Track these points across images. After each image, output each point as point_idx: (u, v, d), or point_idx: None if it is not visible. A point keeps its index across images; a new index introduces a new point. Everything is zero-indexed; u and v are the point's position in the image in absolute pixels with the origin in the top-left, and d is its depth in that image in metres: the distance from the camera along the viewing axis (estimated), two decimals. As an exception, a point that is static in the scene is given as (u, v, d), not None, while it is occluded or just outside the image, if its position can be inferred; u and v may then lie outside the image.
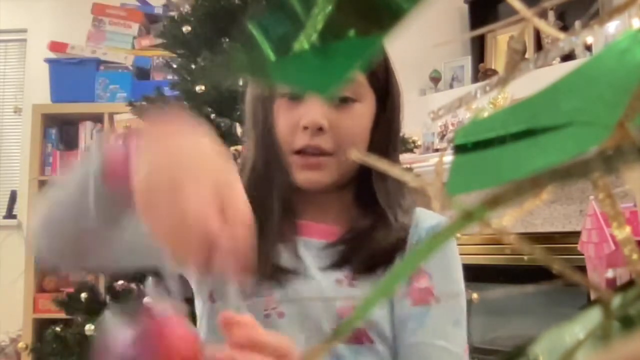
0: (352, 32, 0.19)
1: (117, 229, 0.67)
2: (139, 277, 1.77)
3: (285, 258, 0.85)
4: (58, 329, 1.75)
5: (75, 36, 3.34)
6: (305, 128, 0.83)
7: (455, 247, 0.92)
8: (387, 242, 0.85)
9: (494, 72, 3.45)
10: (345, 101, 0.85)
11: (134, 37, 3.36)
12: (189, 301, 0.83)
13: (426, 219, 0.91)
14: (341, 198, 0.90)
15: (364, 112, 0.87)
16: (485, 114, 0.23)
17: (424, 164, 2.85)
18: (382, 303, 0.86)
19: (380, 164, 0.21)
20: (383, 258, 0.85)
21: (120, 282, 1.82)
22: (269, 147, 0.87)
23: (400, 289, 0.86)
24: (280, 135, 0.85)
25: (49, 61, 3.24)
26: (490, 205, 0.16)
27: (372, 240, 0.85)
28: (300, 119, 0.83)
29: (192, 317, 0.84)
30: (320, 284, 0.84)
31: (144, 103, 1.89)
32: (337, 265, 0.85)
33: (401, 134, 1.91)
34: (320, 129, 0.82)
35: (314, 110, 0.83)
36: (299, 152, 0.84)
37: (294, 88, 0.20)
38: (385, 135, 0.91)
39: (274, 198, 0.86)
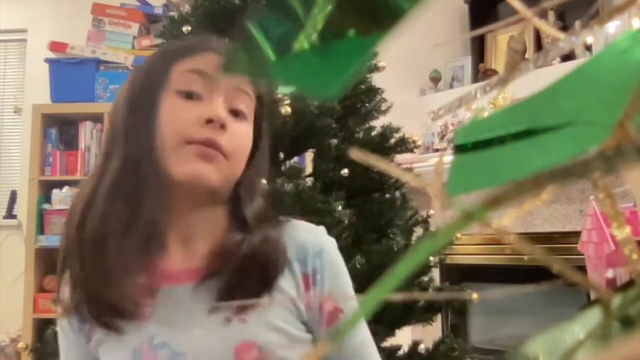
0: (352, 32, 0.19)
1: None
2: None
3: (157, 306, 0.81)
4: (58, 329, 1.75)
5: (75, 36, 3.34)
6: (209, 122, 0.80)
7: (338, 254, 0.90)
8: (267, 257, 0.83)
9: (494, 72, 3.46)
10: (238, 114, 0.84)
11: (134, 37, 3.36)
12: None
13: (298, 228, 0.89)
14: (211, 217, 0.85)
15: (249, 131, 0.86)
16: (485, 114, 0.23)
17: (424, 164, 2.85)
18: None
19: (379, 163, 0.21)
20: (267, 274, 0.83)
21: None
22: (146, 141, 0.81)
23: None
24: (173, 127, 0.80)
25: (49, 61, 3.24)
26: (490, 205, 0.16)
27: (248, 258, 0.82)
28: (202, 113, 0.80)
29: None
30: (209, 333, 0.79)
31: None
32: (221, 300, 0.80)
33: (401, 134, 1.92)
34: (222, 127, 0.80)
35: (219, 107, 0.81)
36: (196, 142, 0.80)
37: (293, 88, 0.20)
38: (260, 162, 0.90)
39: (144, 199, 0.80)
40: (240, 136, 0.84)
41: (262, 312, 0.81)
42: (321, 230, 0.92)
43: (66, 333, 0.87)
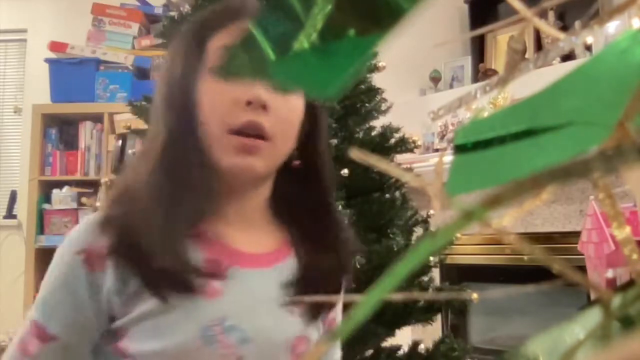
0: (351, 32, 0.19)
1: None
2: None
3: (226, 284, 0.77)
4: (58, 329, 1.75)
5: (75, 36, 3.34)
6: (249, 103, 0.75)
7: None
8: (346, 253, 0.83)
9: (494, 72, 3.46)
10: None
11: (134, 37, 3.36)
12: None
13: None
14: (258, 197, 0.82)
15: (299, 105, 0.80)
16: (485, 114, 0.23)
17: (424, 164, 2.85)
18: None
19: (379, 163, 0.21)
20: (343, 270, 0.83)
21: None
22: (188, 127, 0.76)
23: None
24: (212, 113, 0.76)
25: (49, 61, 3.24)
26: (490, 205, 0.16)
27: (329, 250, 0.81)
28: (241, 95, 0.75)
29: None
30: (278, 322, 0.78)
31: (144, 103, 1.89)
32: (294, 291, 0.80)
33: (401, 134, 1.92)
34: (264, 107, 0.75)
35: (258, 86, 0.74)
36: (237, 132, 0.75)
37: (293, 88, 0.20)
38: (314, 138, 0.84)
39: (191, 183, 0.76)
40: (286, 112, 0.78)
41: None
42: None
43: (72, 275, 0.75)
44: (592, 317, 0.20)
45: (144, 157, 0.80)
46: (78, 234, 0.77)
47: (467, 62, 3.64)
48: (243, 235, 0.81)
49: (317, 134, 0.84)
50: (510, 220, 0.25)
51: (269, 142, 0.76)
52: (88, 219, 0.79)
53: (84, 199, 3.18)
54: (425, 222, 1.92)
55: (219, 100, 0.75)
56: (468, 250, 3.04)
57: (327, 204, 0.84)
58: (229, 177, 0.77)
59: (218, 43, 0.77)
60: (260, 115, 0.75)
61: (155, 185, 0.75)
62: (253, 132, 0.75)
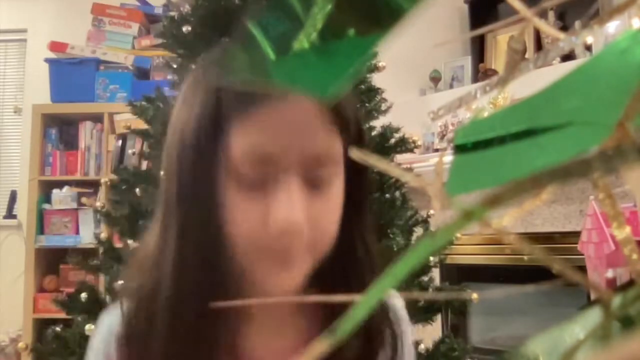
0: (351, 32, 0.19)
1: None
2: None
3: None
4: (58, 329, 1.75)
5: (75, 36, 3.35)
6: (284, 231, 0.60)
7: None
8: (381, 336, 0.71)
9: (494, 72, 3.45)
10: (318, 186, 0.62)
11: (134, 37, 3.36)
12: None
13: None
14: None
15: (338, 191, 0.64)
16: (485, 114, 0.23)
17: (424, 164, 2.85)
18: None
19: (379, 163, 0.21)
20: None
21: (120, 282, 1.82)
22: (205, 235, 0.62)
23: None
24: (237, 229, 0.61)
25: (49, 61, 3.24)
26: (490, 205, 0.16)
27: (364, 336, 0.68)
28: (274, 220, 0.59)
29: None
30: None
31: (144, 103, 1.89)
32: None
33: (401, 134, 1.91)
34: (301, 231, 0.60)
35: (291, 206, 0.59)
36: (267, 248, 0.61)
37: (294, 88, 0.20)
38: (358, 208, 0.69)
39: (212, 316, 0.62)
40: (323, 216, 0.63)
41: None
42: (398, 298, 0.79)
43: None
44: (592, 317, 0.20)
45: (157, 247, 0.67)
46: (99, 340, 0.71)
47: (467, 62, 3.64)
48: (267, 337, 0.71)
49: (361, 221, 0.70)
50: (510, 220, 0.25)
51: (305, 254, 0.62)
52: (110, 325, 0.70)
53: (84, 199, 3.18)
54: (425, 222, 1.92)
55: (245, 218, 0.61)
56: (468, 250, 3.04)
57: (364, 283, 0.71)
58: (258, 289, 0.65)
59: (241, 141, 0.59)
60: (294, 239, 0.60)
61: (175, 303, 0.63)
62: (286, 253, 0.61)
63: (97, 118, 3.22)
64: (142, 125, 1.93)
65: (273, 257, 0.61)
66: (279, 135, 0.59)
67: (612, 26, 2.63)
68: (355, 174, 0.66)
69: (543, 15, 3.19)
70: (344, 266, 0.68)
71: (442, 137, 3.34)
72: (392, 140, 1.91)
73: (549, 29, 0.24)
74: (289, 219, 0.59)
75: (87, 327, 1.61)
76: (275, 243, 0.60)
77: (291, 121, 0.59)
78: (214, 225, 0.61)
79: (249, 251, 0.62)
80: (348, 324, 0.16)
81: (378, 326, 0.71)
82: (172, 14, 1.99)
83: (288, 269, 0.62)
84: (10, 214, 3.67)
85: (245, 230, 0.61)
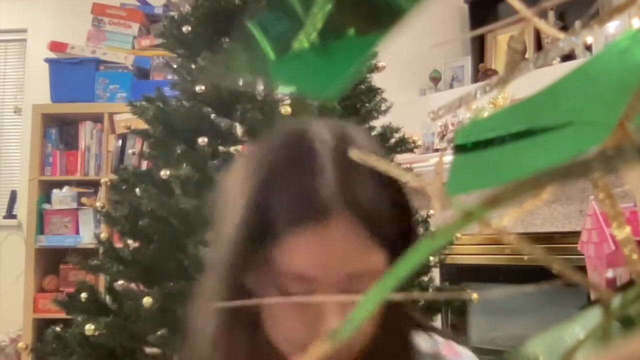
0: (351, 31, 0.19)
1: None
2: (141, 278, 1.78)
3: None
4: (58, 329, 1.75)
5: (75, 36, 3.34)
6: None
7: None
8: None
9: (494, 72, 3.45)
10: (361, 277, 0.62)
11: (134, 37, 3.36)
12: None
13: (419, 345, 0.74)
14: None
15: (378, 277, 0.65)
16: (485, 114, 0.23)
17: (424, 164, 2.85)
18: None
19: (379, 163, 0.21)
20: None
21: (120, 282, 1.82)
22: (247, 327, 0.65)
23: None
24: (280, 332, 0.63)
25: (49, 61, 3.24)
26: (490, 205, 0.16)
27: None
28: (316, 320, 0.60)
29: None
30: None
31: (144, 103, 1.90)
32: None
33: (401, 134, 1.92)
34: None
35: (335, 314, 0.60)
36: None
37: (293, 88, 0.20)
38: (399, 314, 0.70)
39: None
40: (367, 325, 0.64)
41: None
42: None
43: None
44: (592, 317, 0.20)
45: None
46: None
47: (467, 62, 3.64)
48: None
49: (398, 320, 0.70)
50: (510, 220, 0.25)
51: (349, 351, 0.64)
52: None
53: (84, 199, 3.18)
54: (425, 222, 1.92)
55: (286, 326, 0.62)
56: (468, 250, 3.04)
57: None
58: None
59: (281, 258, 0.60)
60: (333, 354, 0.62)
61: None
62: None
63: (97, 118, 3.22)
64: (142, 125, 1.93)
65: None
66: (319, 259, 0.60)
67: (612, 26, 2.63)
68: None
69: (543, 15, 3.19)
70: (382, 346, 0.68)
71: (442, 137, 3.34)
72: (392, 140, 1.91)
73: (549, 29, 0.24)
74: (334, 324, 0.60)
75: (87, 327, 1.61)
76: (316, 340, 0.56)
77: (331, 244, 0.60)
78: (260, 324, 0.63)
79: (287, 347, 0.63)
80: (349, 325, 0.16)
81: None
82: (172, 14, 1.99)
83: None
84: (10, 214, 3.67)
85: (288, 336, 0.63)
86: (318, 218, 0.59)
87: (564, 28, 3.02)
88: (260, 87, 1.81)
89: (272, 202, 0.61)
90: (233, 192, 0.65)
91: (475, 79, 3.54)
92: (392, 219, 0.63)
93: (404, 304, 0.71)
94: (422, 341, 0.74)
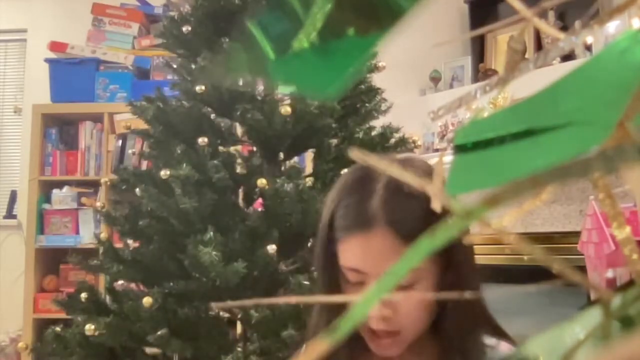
0: (351, 31, 0.19)
1: None
2: (141, 278, 1.78)
3: None
4: (58, 329, 1.75)
5: (75, 36, 3.34)
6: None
7: None
8: None
9: (494, 72, 3.45)
10: (403, 287, 0.78)
11: (134, 37, 3.36)
12: None
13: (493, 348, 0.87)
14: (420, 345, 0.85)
15: (424, 288, 0.79)
16: (485, 114, 0.23)
17: (424, 164, 2.84)
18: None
19: (379, 163, 0.21)
20: None
21: (120, 282, 1.82)
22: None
23: None
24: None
25: (49, 61, 3.24)
26: (490, 205, 0.16)
27: None
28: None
29: None
30: None
31: (144, 103, 1.89)
32: None
33: (401, 134, 1.92)
34: (383, 328, 0.79)
35: (374, 317, 0.78)
36: (369, 330, 0.81)
37: (293, 87, 0.20)
38: (457, 287, 0.82)
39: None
40: (408, 309, 0.80)
41: None
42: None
43: None
44: (592, 317, 0.20)
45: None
46: None
47: (467, 62, 3.64)
48: None
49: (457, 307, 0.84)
50: (510, 220, 0.25)
51: (398, 335, 0.80)
52: None
53: (84, 199, 3.18)
54: (425, 222, 1.91)
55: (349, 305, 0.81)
56: (468, 250, 3.03)
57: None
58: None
59: (340, 255, 0.80)
60: (383, 324, 0.79)
61: None
62: (382, 335, 0.80)
63: (97, 118, 3.21)
64: (142, 125, 1.93)
65: (374, 337, 0.81)
66: (362, 259, 0.78)
67: (612, 26, 2.63)
68: (454, 267, 0.81)
69: (543, 15, 3.19)
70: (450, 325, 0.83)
71: (442, 137, 3.34)
72: (392, 140, 1.91)
73: (549, 29, 0.24)
74: (373, 314, 0.78)
75: (87, 327, 1.61)
76: (370, 322, 0.79)
77: (372, 249, 0.78)
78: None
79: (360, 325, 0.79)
80: (347, 323, 0.16)
81: None
82: (172, 14, 1.99)
83: (386, 347, 0.81)
84: (10, 214, 3.67)
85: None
86: (363, 229, 0.77)
87: (564, 28, 3.02)
88: (260, 87, 1.81)
89: (338, 214, 0.80)
90: (327, 202, 0.85)
91: (475, 79, 3.54)
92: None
93: (474, 301, 0.86)
94: (486, 337, 0.87)
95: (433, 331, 0.84)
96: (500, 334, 0.89)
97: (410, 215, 0.77)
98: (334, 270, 0.82)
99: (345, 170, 0.86)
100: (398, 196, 0.77)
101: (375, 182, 0.79)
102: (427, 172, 0.83)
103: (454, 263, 0.81)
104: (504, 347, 0.87)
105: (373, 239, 0.77)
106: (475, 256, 0.87)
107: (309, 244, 1.74)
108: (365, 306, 0.16)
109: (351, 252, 0.78)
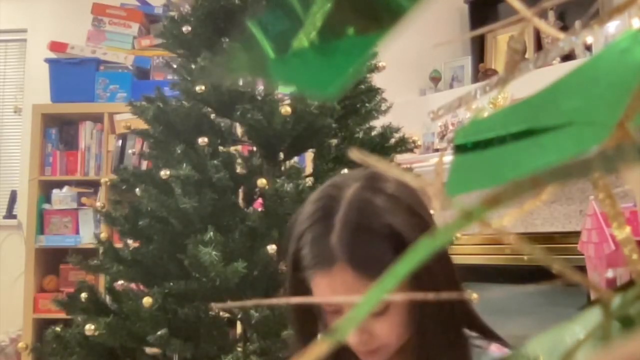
0: (351, 31, 0.19)
1: None
2: (141, 278, 1.78)
3: None
4: (58, 329, 1.75)
5: (75, 36, 3.34)
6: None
7: None
8: None
9: (494, 72, 3.45)
10: (376, 314, 0.80)
11: (134, 37, 3.36)
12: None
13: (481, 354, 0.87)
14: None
15: (397, 312, 0.81)
16: (485, 114, 0.23)
17: (424, 164, 2.85)
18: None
19: (379, 163, 0.21)
20: None
21: (120, 282, 1.82)
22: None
23: None
24: None
25: (49, 61, 3.24)
26: (490, 205, 0.16)
27: None
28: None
29: None
30: None
31: (144, 103, 1.89)
32: None
33: (401, 134, 1.91)
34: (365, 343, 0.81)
35: (354, 341, 0.80)
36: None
37: (293, 87, 0.20)
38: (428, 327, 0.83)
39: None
40: (384, 332, 0.81)
41: None
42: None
43: None
44: (592, 317, 0.20)
45: None
46: None
47: (467, 62, 3.64)
48: None
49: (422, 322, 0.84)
50: (510, 220, 0.25)
51: (380, 350, 0.82)
52: None
53: (84, 199, 3.18)
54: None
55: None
56: (468, 250, 3.04)
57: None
58: None
59: (316, 293, 0.81)
60: (364, 345, 0.81)
61: None
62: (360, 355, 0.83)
63: (97, 118, 3.21)
64: (142, 125, 1.93)
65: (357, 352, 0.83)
66: (331, 296, 0.80)
67: (612, 26, 2.63)
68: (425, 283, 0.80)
69: (543, 15, 3.19)
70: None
71: (442, 137, 3.34)
72: (392, 140, 1.91)
73: (549, 29, 0.24)
74: (352, 341, 0.80)
75: (87, 327, 1.61)
76: (351, 344, 0.81)
77: (337, 286, 0.79)
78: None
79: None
80: (348, 324, 0.16)
81: None
82: (172, 14, 1.99)
83: (370, 357, 0.82)
84: (10, 214, 3.67)
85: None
86: (325, 266, 0.78)
87: (564, 28, 3.02)
88: (260, 87, 1.81)
89: (303, 251, 0.81)
90: (291, 233, 0.85)
91: (475, 79, 3.54)
92: (389, 265, 0.73)
93: (457, 303, 0.86)
94: (473, 335, 0.87)
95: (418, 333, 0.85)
96: (489, 335, 0.88)
97: (368, 248, 0.78)
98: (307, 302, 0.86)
99: (308, 199, 0.86)
100: (355, 230, 0.78)
101: (334, 215, 0.80)
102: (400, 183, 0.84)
103: (427, 280, 0.78)
104: (494, 348, 0.87)
105: (335, 276, 0.78)
106: (453, 262, 0.87)
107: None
108: (364, 307, 0.16)
109: (319, 289, 0.80)
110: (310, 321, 0.87)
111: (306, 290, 0.83)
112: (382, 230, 0.78)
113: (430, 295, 0.83)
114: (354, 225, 0.78)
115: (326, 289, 0.79)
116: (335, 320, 0.82)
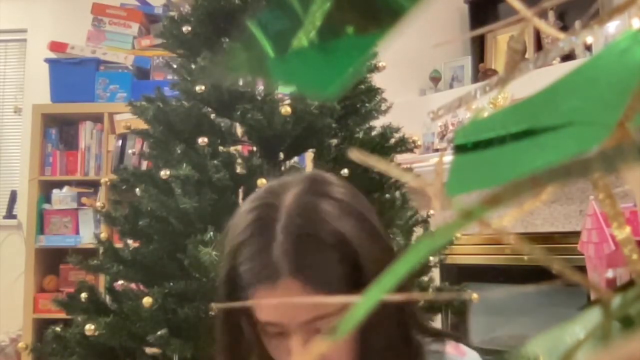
0: (351, 30, 0.18)
1: None
2: (141, 278, 1.77)
3: None
4: (58, 329, 1.75)
5: (75, 36, 3.34)
6: None
7: None
8: None
9: (494, 72, 3.45)
10: (321, 318, 0.73)
11: (134, 37, 3.36)
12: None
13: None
14: None
15: (343, 345, 0.76)
16: (485, 114, 0.23)
17: (424, 164, 2.85)
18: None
19: (379, 163, 0.21)
20: None
21: (120, 282, 1.82)
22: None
23: None
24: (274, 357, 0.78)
25: (49, 61, 3.24)
26: (490, 205, 0.16)
27: None
28: (289, 351, 0.74)
29: None
30: None
31: (144, 103, 1.89)
32: None
33: (401, 134, 1.91)
34: None
35: (300, 345, 0.73)
36: None
37: (293, 87, 0.20)
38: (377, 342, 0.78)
39: None
40: (334, 352, 0.74)
41: None
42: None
43: None
44: (592, 317, 0.20)
45: None
46: None
47: (467, 62, 3.64)
48: None
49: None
50: (510, 220, 0.25)
51: None
52: None
53: (84, 199, 3.18)
54: (425, 222, 1.92)
55: (273, 351, 0.77)
56: (468, 250, 3.04)
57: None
58: None
59: (259, 310, 0.74)
60: None
61: None
62: None
63: (97, 118, 3.21)
64: (142, 125, 1.93)
65: None
66: (275, 312, 0.73)
67: (612, 26, 2.63)
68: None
69: (543, 15, 3.19)
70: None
71: (442, 137, 3.34)
72: (392, 140, 1.91)
73: (549, 29, 0.24)
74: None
75: (87, 327, 1.61)
76: None
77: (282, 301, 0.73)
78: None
79: None
80: (348, 323, 0.16)
81: None
82: (172, 14, 1.99)
83: None
84: (10, 214, 3.67)
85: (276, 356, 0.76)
86: (268, 281, 0.71)
87: (564, 28, 3.02)
88: (260, 87, 1.81)
89: (241, 268, 0.73)
90: (225, 253, 0.78)
91: (475, 79, 3.54)
92: (340, 276, 0.72)
93: (407, 305, 0.79)
94: (427, 340, 0.82)
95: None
96: (442, 335, 0.84)
97: (315, 259, 0.72)
98: (239, 327, 0.77)
99: (241, 209, 0.79)
100: (300, 240, 0.71)
101: (274, 224, 0.72)
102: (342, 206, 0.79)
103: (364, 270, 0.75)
104: (450, 349, 0.83)
105: (281, 290, 0.71)
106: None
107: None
108: (366, 304, 0.16)
109: (264, 306, 0.73)
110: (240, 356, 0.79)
111: (241, 316, 0.76)
112: (330, 239, 0.71)
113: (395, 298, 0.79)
114: (298, 234, 0.71)
115: (270, 307, 0.72)
116: (278, 344, 0.75)
